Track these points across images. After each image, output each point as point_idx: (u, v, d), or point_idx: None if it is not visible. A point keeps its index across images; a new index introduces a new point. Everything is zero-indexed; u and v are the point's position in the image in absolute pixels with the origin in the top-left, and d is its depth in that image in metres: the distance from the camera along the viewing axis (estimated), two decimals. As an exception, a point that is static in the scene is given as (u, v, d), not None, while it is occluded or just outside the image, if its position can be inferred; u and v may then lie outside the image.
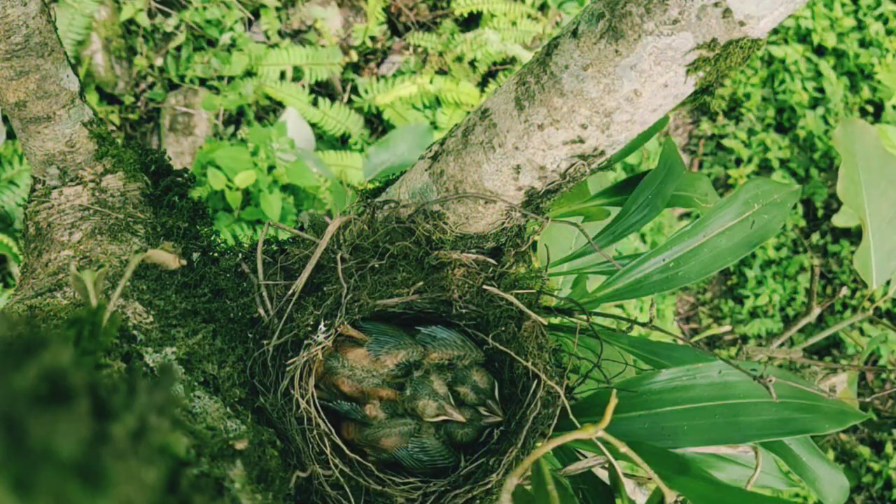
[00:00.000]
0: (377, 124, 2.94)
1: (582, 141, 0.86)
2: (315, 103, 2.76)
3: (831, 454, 2.82)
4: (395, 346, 0.95)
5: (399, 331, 0.98)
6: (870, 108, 3.12)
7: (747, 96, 3.11)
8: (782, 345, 1.29)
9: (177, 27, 2.77)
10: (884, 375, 2.81)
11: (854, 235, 3.05)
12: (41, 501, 0.26)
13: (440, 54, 2.94)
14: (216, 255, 1.00)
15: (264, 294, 0.94)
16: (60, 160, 0.97)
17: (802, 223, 3.08)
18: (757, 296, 2.98)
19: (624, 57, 0.78)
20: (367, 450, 0.95)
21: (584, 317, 0.99)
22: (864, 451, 2.79)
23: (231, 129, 2.79)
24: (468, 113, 0.91)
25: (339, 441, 0.89)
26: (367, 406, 0.93)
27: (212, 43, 2.80)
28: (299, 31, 2.98)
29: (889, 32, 3.13)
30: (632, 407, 0.89)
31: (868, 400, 1.30)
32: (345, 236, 0.96)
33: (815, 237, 3.06)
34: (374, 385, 0.94)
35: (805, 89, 3.08)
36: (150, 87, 2.80)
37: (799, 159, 3.10)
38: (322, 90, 2.92)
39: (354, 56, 2.96)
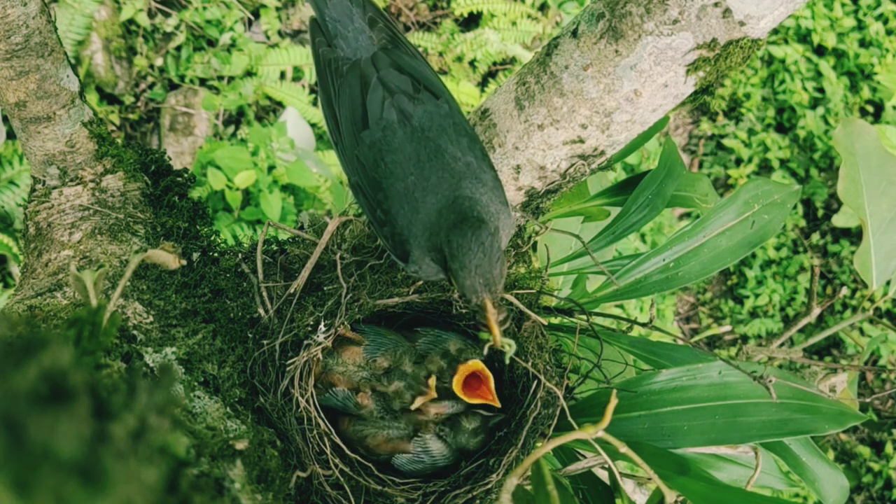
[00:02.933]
0: (377, 124, 2.93)
1: (582, 141, 0.86)
2: (315, 103, 2.76)
3: (831, 454, 2.82)
4: (393, 349, 0.95)
5: (396, 334, 0.98)
6: (870, 108, 3.12)
7: (747, 96, 3.11)
8: (782, 345, 1.29)
9: (177, 27, 2.77)
10: (884, 375, 2.81)
11: (854, 235, 3.05)
12: (41, 501, 0.26)
13: (440, 54, 2.94)
14: (216, 255, 1.00)
15: (264, 294, 0.94)
16: (60, 160, 0.97)
17: (802, 223, 3.08)
18: (757, 296, 2.98)
19: (624, 57, 0.78)
20: (363, 451, 0.95)
21: (584, 317, 0.99)
22: (864, 451, 2.79)
23: (231, 129, 2.79)
24: (468, 113, 0.91)
25: (339, 441, 0.89)
26: (360, 395, 0.93)
27: (212, 43, 2.80)
28: (299, 31, 2.98)
29: (889, 32, 3.13)
30: (632, 407, 0.89)
31: (868, 400, 1.30)
32: (344, 236, 0.96)
33: (815, 237, 3.06)
34: (364, 379, 0.95)
35: (805, 89, 3.08)
36: (150, 87, 2.80)
37: (799, 159, 3.10)
38: (322, 90, 2.92)
39: (354, 56, 2.96)
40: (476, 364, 0.88)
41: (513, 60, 2.99)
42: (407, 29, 3.08)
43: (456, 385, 0.88)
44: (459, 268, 0.69)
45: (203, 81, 2.78)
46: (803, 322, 1.19)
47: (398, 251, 0.79)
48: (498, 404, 0.88)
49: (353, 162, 0.80)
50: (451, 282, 0.72)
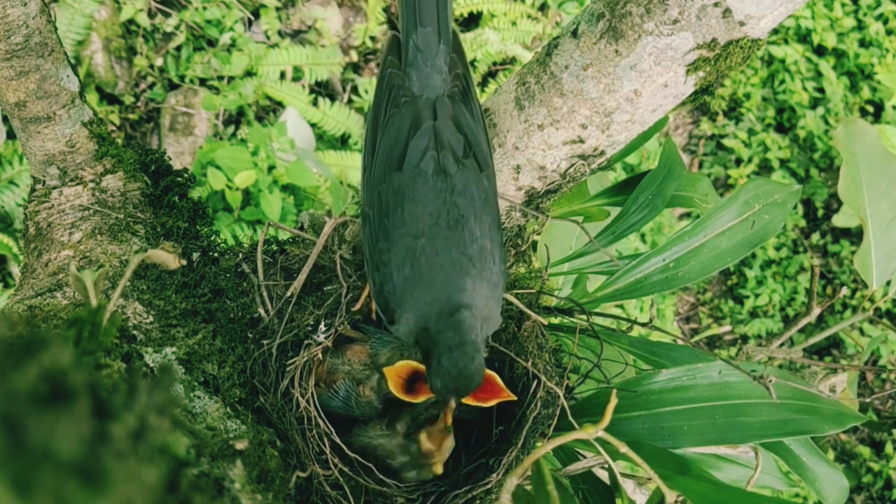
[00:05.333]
0: (377, 124, 2.92)
1: (582, 141, 0.86)
2: (315, 103, 2.76)
3: (831, 454, 2.82)
4: (398, 348, 0.95)
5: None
6: (870, 108, 3.12)
7: (747, 96, 3.11)
8: (782, 345, 1.29)
9: (177, 27, 2.77)
10: (884, 375, 2.81)
11: (854, 235, 3.05)
12: (41, 501, 0.26)
13: (440, 54, 2.93)
14: (216, 255, 1.00)
15: (264, 294, 0.94)
16: (60, 160, 0.97)
17: (802, 223, 3.08)
18: (757, 296, 2.98)
19: (624, 57, 0.78)
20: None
21: (584, 317, 0.99)
22: (864, 451, 2.79)
23: (231, 129, 2.79)
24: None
25: (339, 441, 0.89)
26: (361, 386, 0.93)
27: (212, 43, 2.80)
28: (299, 31, 2.98)
29: (889, 32, 3.13)
30: (632, 407, 0.89)
31: (868, 400, 1.30)
32: (344, 236, 0.96)
33: (815, 237, 3.06)
34: (368, 378, 0.95)
35: (805, 89, 3.08)
36: (150, 87, 2.80)
37: (799, 159, 3.10)
38: (322, 90, 2.92)
39: (354, 56, 2.96)
40: None
41: (513, 60, 2.99)
42: (407, 29, 3.08)
43: None
44: (435, 375, 0.74)
45: (203, 81, 2.78)
46: (803, 322, 1.19)
47: (380, 300, 0.79)
48: (514, 398, 0.87)
49: (373, 195, 0.79)
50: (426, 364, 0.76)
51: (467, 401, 0.87)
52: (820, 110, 3.07)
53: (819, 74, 3.11)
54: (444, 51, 0.81)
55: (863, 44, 3.13)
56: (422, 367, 0.88)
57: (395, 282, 0.76)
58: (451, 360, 0.73)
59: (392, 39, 0.82)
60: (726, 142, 3.10)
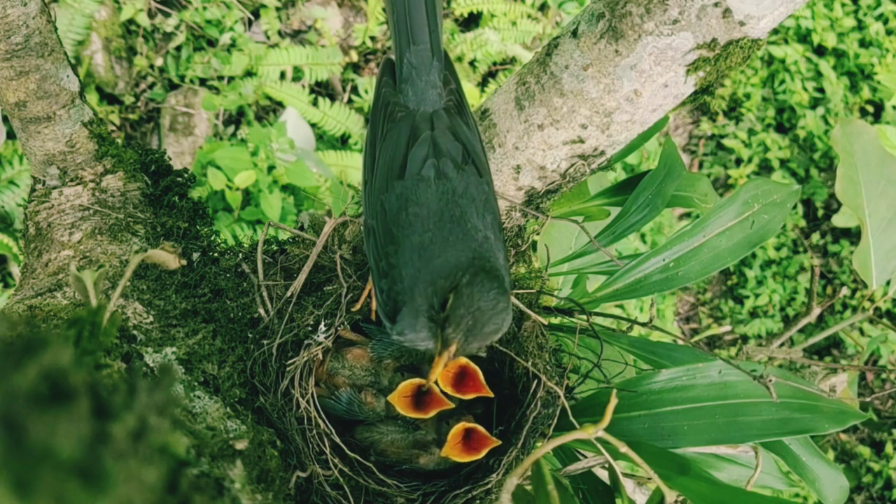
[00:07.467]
0: (377, 124, 2.92)
1: (582, 141, 0.86)
2: (315, 103, 2.76)
3: (831, 454, 2.82)
4: (398, 350, 0.95)
5: None
6: (870, 108, 3.12)
7: (747, 96, 3.11)
8: (782, 345, 1.29)
9: (177, 27, 2.77)
10: (884, 375, 2.81)
11: (854, 235, 3.05)
12: (41, 501, 0.26)
13: (440, 54, 2.93)
14: (216, 255, 1.00)
15: (264, 294, 0.94)
16: (60, 160, 0.97)
17: (802, 223, 3.08)
18: (757, 296, 2.97)
19: (624, 57, 0.78)
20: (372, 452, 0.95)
21: (584, 317, 0.99)
22: (864, 451, 2.79)
23: (231, 129, 2.79)
24: (468, 113, 0.91)
25: (339, 441, 0.89)
26: (363, 392, 0.93)
27: (212, 43, 2.80)
28: (299, 31, 2.98)
29: (889, 32, 3.13)
30: (632, 407, 0.89)
31: (868, 400, 1.30)
32: (344, 237, 0.96)
33: (815, 237, 3.06)
34: (370, 382, 0.95)
35: (805, 89, 3.08)
36: (150, 87, 2.80)
37: (799, 159, 3.10)
38: (322, 90, 2.92)
39: (354, 56, 2.96)
40: (459, 360, 0.88)
41: (513, 60, 2.98)
42: (407, 29, 3.07)
43: (444, 383, 0.88)
44: (458, 306, 0.69)
45: (203, 81, 2.78)
46: (803, 322, 1.19)
47: (388, 307, 0.78)
48: (491, 394, 0.88)
49: (375, 205, 0.80)
50: (440, 331, 0.72)
51: (446, 389, 0.88)
52: (820, 110, 3.07)
53: (819, 74, 3.11)
54: (437, 67, 0.83)
55: (863, 44, 3.13)
56: (423, 381, 0.89)
57: (404, 276, 0.76)
58: (467, 294, 0.69)
59: (386, 62, 0.85)
60: (726, 142, 3.10)
